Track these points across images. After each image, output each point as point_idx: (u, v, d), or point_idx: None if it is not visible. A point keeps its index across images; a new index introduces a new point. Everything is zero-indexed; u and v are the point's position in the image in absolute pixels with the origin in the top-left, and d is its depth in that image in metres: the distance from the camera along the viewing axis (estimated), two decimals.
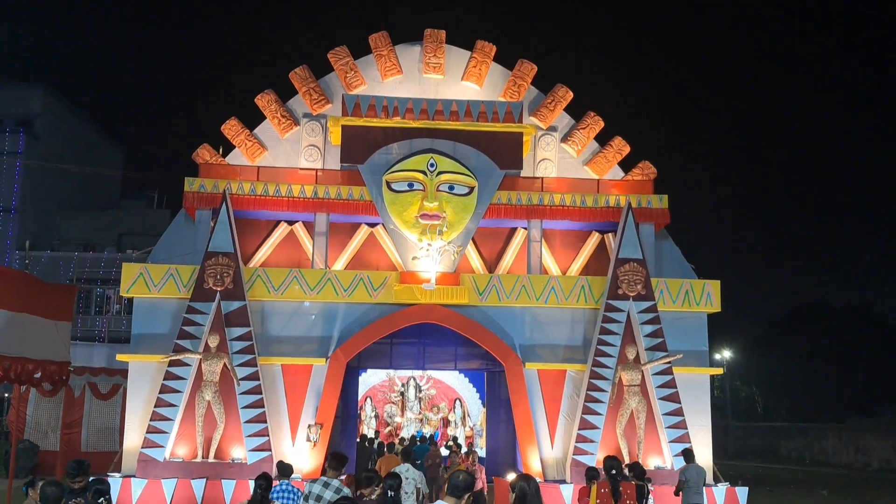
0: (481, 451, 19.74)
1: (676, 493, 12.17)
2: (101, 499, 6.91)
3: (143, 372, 15.63)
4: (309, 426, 15.40)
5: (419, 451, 16.75)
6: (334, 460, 8.72)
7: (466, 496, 5.36)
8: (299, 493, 8.91)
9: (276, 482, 9.16)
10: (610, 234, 17.52)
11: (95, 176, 43.29)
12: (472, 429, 24.69)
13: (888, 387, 40.35)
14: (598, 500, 9.59)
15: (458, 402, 25.31)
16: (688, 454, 13.48)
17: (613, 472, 9.89)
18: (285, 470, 9.78)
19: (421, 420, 25.46)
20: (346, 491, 8.09)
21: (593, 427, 15.40)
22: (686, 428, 15.44)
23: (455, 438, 21.18)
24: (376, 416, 25.47)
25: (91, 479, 7.42)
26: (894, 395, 39.48)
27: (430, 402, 25.75)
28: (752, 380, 48.69)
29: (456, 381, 25.52)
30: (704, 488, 12.58)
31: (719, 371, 16.41)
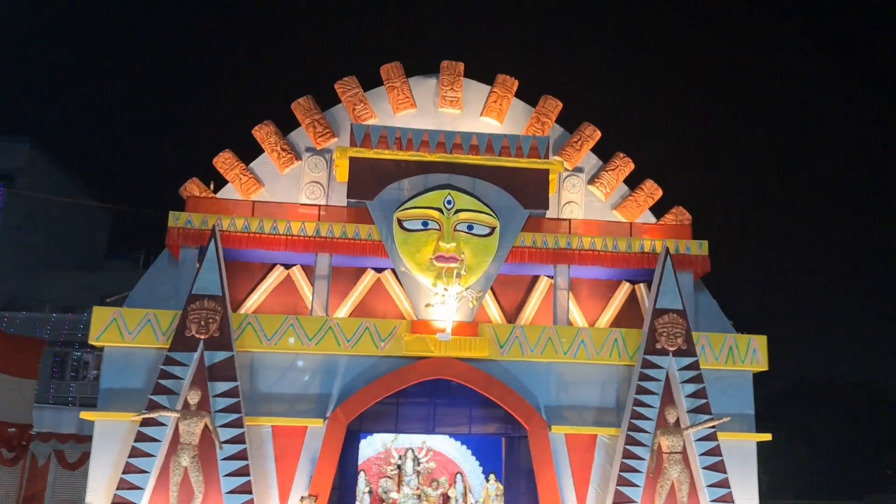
0: None
1: None
2: None
3: (112, 433, 13.67)
4: (301, 498, 13.49)
5: None
6: None
7: None
8: None
9: None
10: (642, 285, 15.88)
11: (79, 235, 41.56)
12: None
13: None
14: None
15: (458, 476, 23.10)
16: None
17: None
18: None
19: (419, 496, 23.15)
20: None
21: (630, 501, 13.50)
22: (733, 501, 13.55)
23: None
24: (370, 492, 23.14)
25: None
26: None
27: (429, 476, 23.51)
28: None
29: (457, 452, 23.43)
30: None
31: (767, 437, 14.56)
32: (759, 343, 14.98)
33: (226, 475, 13.24)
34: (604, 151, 16.61)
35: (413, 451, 23.13)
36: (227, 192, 15.68)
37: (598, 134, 16.36)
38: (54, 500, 21.16)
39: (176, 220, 14.70)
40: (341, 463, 14.37)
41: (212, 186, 15.68)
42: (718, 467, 13.75)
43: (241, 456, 13.36)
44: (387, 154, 14.94)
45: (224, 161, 15.60)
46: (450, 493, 22.81)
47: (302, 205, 15.30)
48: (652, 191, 16.20)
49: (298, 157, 15.87)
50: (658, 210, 16.40)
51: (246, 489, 13.21)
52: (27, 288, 37.88)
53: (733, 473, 13.88)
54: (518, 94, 16.43)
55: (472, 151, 15.16)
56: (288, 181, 15.80)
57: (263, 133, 15.78)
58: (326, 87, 16.30)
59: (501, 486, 20.20)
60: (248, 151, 15.99)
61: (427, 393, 14.97)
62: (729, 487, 13.64)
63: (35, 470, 20.68)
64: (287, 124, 16.11)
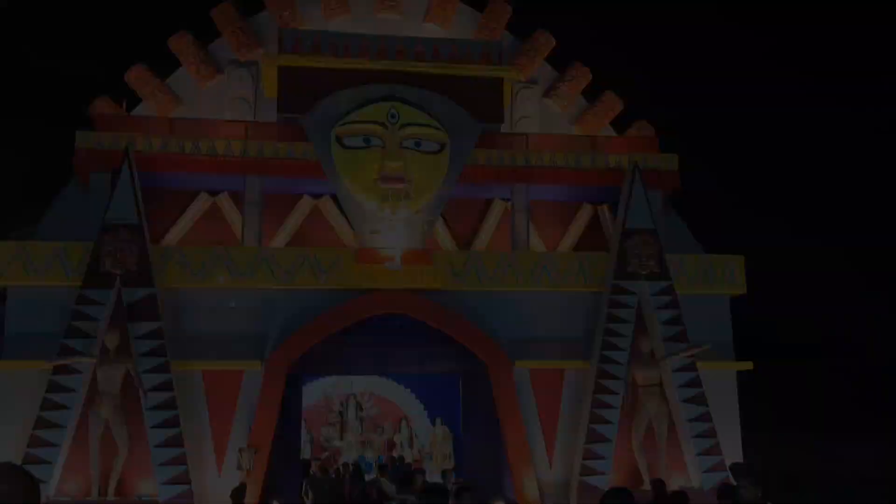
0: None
1: None
2: None
3: (21, 383, 11.99)
4: (240, 450, 12.05)
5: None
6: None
7: None
8: None
9: None
10: (605, 206, 14.73)
11: None
12: (420, 451, 21.40)
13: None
14: None
15: (403, 421, 22.03)
16: (741, 469, 10.59)
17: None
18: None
19: (363, 443, 22.08)
20: None
21: (603, 440, 12.40)
22: (716, 436, 12.64)
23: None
24: (311, 441, 21.95)
25: None
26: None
27: (372, 422, 22.36)
28: None
29: (400, 397, 22.24)
30: None
31: (748, 365, 13.69)
32: (737, 264, 13.93)
33: (153, 426, 11.77)
34: (559, 62, 15.28)
35: (355, 396, 21.95)
36: (141, 112, 13.85)
37: (553, 42, 14.96)
38: None
39: (83, 140, 12.84)
40: (283, 410, 12.97)
41: (124, 105, 13.82)
42: (699, 399, 12.74)
43: (170, 405, 11.87)
44: (321, 62, 13.24)
45: (137, 76, 13.72)
46: (395, 439, 21.78)
47: (227, 121, 13.55)
48: (612, 103, 14.95)
49: (220, 70, 14.08)
50: (620, 125, 15.21)
51: (176, 442, 11.76)
52: None
53: (713, 405, 12.91)
54: None
55: (417, 58, 13.56)
56: (209, 98, 14.03)
57: (181, 44, 13.92)
58: None
59: (449, 430, 19.19)
60: (164, 65, 14.15)
61: (375, 330, 13.58)
62: (711, 421, 12.68)
63: None
64: (207, 34, 14.29)
